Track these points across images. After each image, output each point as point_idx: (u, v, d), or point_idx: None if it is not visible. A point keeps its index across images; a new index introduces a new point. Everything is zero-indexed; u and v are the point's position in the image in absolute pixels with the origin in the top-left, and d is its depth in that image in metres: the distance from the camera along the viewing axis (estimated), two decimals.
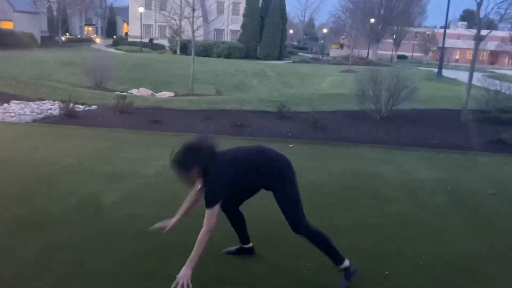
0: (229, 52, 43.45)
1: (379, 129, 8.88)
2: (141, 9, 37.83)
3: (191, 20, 15.46)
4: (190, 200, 3.28)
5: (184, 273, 2.85)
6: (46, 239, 3.69)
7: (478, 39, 11.05)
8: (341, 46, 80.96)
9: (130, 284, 3.12)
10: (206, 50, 42.63)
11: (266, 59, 42.49)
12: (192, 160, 2.92)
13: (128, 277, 3.19)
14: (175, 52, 42.25)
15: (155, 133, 8.19)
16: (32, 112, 9.20)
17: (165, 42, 47.84)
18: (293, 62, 40.80)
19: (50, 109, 9.67)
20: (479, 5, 10.36)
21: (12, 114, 8.95)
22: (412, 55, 71.14)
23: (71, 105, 8.81)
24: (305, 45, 78.33)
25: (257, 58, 44.28)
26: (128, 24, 77.45)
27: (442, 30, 72.74)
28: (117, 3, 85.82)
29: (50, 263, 3.31)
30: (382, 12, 46.88)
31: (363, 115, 9.72)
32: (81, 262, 3.35)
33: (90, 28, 69.14)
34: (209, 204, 2.88)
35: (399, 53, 61.63)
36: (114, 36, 70.03)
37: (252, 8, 45.56)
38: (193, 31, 15.62)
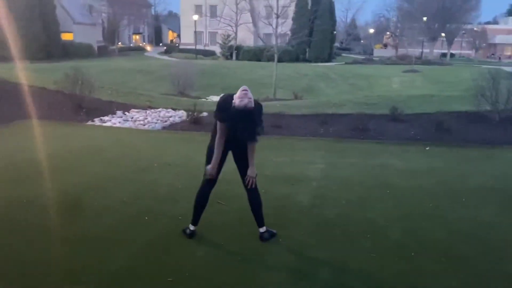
0: (279, 56, 43.67)
1: (507, 130, 8.81)
2: (196, 17, 38.66)
3: (274, 26, 15.65)
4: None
5: (253, 171, 3.79)
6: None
7: None
8: (385, 45, 79.77)
9: None
10: (256, 55, 43.06)
11: (316, 62, 42.49)
12: None
13: None
14: (227, 58, 42.96)
15: (285, 137, 8.44)
16: (158, 120, 9.68)
17: (215, 48, 48.70)
18: (345, 63, 40.59)
19: (171, 116, 10.13)
20: None
21: (142, 122, 9.46)
22: (460, 53, 69.27)
23: (196, 113, 9.20)
24: (348, 46, 77.54)
25: (307, 61, 44.35)
26: (173, 31, 79.53)
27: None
28: (162, 11, 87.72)
29: None
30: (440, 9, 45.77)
31: (479, 116, 9.65)
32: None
33: (137, 37, 71.15)
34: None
35: (445, 51, 60.06)
36: (161, 44, 71.99)
37: (302, 11, 45.60)
38: (276, 37, 15.82)
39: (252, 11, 47.99)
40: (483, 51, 68.78)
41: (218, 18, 43.86)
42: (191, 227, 3.99)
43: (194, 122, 9.35)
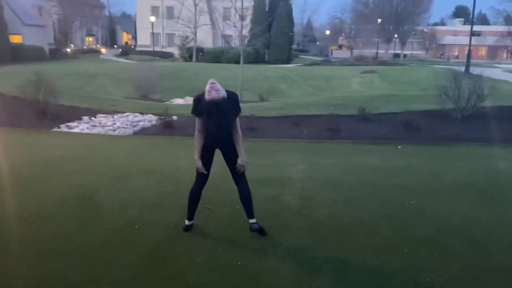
0: (239, 58, 43.76)
1: (470, 127, 9.25)
2: (153, 18, 38.03)
3: (238, 28, 15.65)
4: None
5: (243, 159, 3.98)
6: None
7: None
8: (340, 46, 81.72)
9: None
10: (216, 57, 42.92)
11: (275, 63, 42.83)
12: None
13: None
14: (185, 60, 42.54)
15: (260, 140, 8.48)
16: (127, 125, 9.45)
17: (173, 50, 48.11)
18: (304, 65, 41.18)
19: (140, 121, 9.93)
20: None
21: (111, 128, 9.20)
22: (412, 53, 72.07)
23: (170, 117, 9.06)
24: (304, 47, 78.81)
25: (266, 62, 44.64)
26: (127, 33, 77.83)
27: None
28: (116, 12, 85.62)
29: None
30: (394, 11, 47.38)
31: (442, 114, 10.07)
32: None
33: (90, 39, 69.11)
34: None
35: (398, 51, 62.32)
36: (115, 46, 70.21)
37: (259, 13, 45.89)
38: (241, 39, 15.84)
39: (211, 12, 47.90)
40: (433, 51, 71.93)
41: (176, 20, 43.38)
42: (187, 222, 4.19)
43: (166, 126, 9.20)
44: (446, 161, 7.17)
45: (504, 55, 67.33)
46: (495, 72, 24.70)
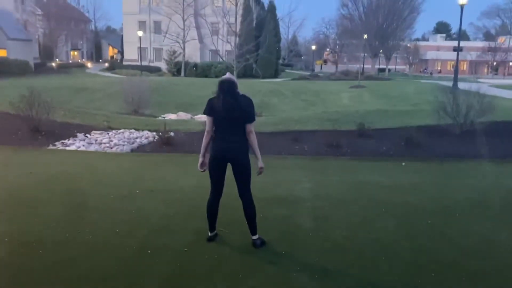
0: (227, 72, 43.79)
1: (470, 142, 9.26)
2: (140, 33, 37.86)
3: (231, 43, 15.60)
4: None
5: (261, 163, 4.09)
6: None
7: None
8: (325, 61, 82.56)
9: None
10: (204, 71, 42.88)
11: (263, 78, 42.96)
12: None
13: None
14: (173, 74, 42.39)
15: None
16: (124, 142, 9.22)
17: (160, 65, 47.92)
18: (292, 79, 41.38)
19: (137, 137, 9.71)
20: None
21: (108, 145, 8.96)
22: (395, 68, 73.17)
23: (169, 133, 8.87)
24: (290, 62, 79.38)
25: (254, 77, 44.76)
26: (113, 47, 77.37)
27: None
28: (101, 26, 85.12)
29: None
30: (380, 27, 48.12)
31: (440, 130, 10.09)
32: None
33: (76, 53, 68.52)
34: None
35: (383, 66, 63.28)
36: (101, 60, 69.68)
37: (247, 28, 46.13)
38: (236, 55, 15.78)
39: (198, 28, 47.97)
40: (415, 66, 73.17)
41: (164, 34, 43.29)
42: (210, 233, 4.32)
43: (165, 143, 9.00)
44: (452, 178, 7.13)
45: (485, 70, 68.79)
46: (483, 87, 25.07)
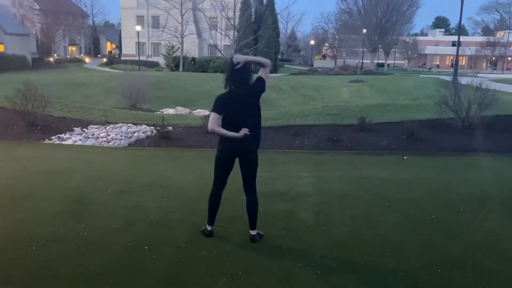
0: (225, 67, 43.63)
1: (473, 136, 9.14)
2: (138, 28, 37.58)
3: (231, 37, 15.41)
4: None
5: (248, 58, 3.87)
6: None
7: None
8: (324, 56, 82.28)
9: None
10: (202, 66, 42.65)
11: None
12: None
13: None
14: (171, 69, 42.15)
15: (261, 151, 8.18)
16: (122, 137, 9.09)
17: (158, 59, 47.69)
18: (291, 74, 41.20)
19: (135, 132, 9.57)
20: None
21: (105, 139, 8.83)
22: (394, 63, 72.94)
23: (167, 128, 8.73)
24: (288, 57, 79.15)
25: (253, 72, 44.57)
26: (111, 42, 76.98)
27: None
28: (99, 21, 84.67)
29: None
30: (379, 22, 47.89)
31: (442, 124, 9.96)
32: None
33: (74, 48, 68.18)
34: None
35: (381, 61, 63.05)
36: (99, 55, 69.32)
37: (246, 23, 45.92)
38: (235, 49, 15.59)
39: (197, 22, 47.72)
40: (414, 61, 72.98)
41: (162, 29, 43.02)
42: (208, 228, 4.17)
43: (163, 138, 8.87)
44: (455, 172, 7.02)
45: (484, 65, 68.61)
46: (484, 82, 24.95)
